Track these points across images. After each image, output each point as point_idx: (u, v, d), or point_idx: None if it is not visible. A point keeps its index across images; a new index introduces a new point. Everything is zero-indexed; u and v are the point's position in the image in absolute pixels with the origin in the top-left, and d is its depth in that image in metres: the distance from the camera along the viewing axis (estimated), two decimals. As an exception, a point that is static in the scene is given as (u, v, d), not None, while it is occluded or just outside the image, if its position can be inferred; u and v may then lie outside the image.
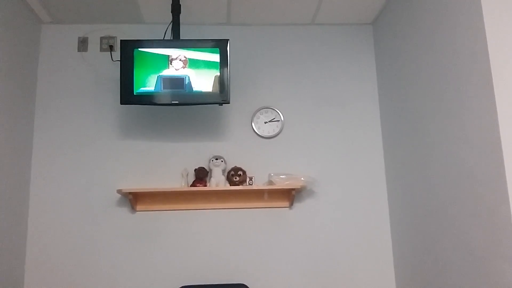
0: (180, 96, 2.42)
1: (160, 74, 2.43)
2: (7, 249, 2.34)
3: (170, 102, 2.42)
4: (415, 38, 2.32)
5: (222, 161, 2.63)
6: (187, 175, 2.65)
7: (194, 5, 2.65)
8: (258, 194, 2.69)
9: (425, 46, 2.21)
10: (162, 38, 2.68)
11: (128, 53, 2.44)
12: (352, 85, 2.87)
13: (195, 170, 2.64)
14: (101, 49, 2.81)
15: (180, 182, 2.66)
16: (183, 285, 2.58)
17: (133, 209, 2.63)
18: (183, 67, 2.44)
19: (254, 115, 2.79)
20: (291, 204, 2.69)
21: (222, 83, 2.44)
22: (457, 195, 1.93)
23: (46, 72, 2.76)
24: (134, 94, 2.42)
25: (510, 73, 1.66)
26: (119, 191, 2.50)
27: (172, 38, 2.58)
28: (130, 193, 2.51)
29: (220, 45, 2.46)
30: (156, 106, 2.69)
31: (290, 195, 2.64)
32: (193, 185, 2.60)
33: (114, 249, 2.59)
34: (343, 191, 2.74)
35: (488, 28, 1.70)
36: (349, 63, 2.90)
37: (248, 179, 2.67)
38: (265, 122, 2.79)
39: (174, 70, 2.43)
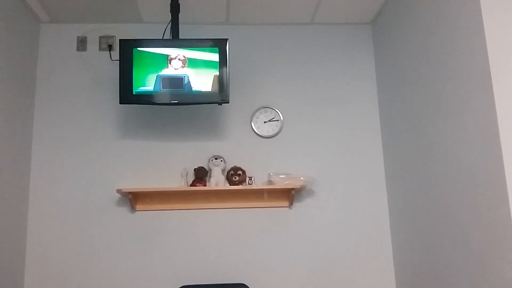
0: (179, 95, 2.42)
1: (159, 73, 2.42)
2: (7, 249, 2.34)
3: (169, 102, 2.41)
4: (414, 37, 2.32)
5: (221, 160, 2.63)
6: (187, 174, 2.65)
7: (193, 4, 2.64)
8: (257, 194, 2.68)
9: (424, 45, 2.21)
10: (161, 38, 2.67)
11: (127, 52, 2.43)
12: (352, 85, 2.87)
13: (195, 169, 2.64)
14: (100, 49, 2.80)
15: (179, 181, 2.66)
16: (182, 285, 2.58)
17: (132, 208, 2.63)
18: (182, 67, 2.43)
19: (253, 114, 2.78)
20: (291, 204, 2.69)
21: (221, 83, 2.44)
22: (456, 194, 1.93)
23: (45, 71, 2.75)
24: (133, 93, 2.41)
25: (510, 73, 1.66)
26: (118, 191, 2.50)
27: (171, 38, 2.57)
28: (129, 192, 2.51)
29: (219, 45, 2.46)
30: (155, 105, 2.68)
31: (289, 195, 2.64)
32: (192, 184, 2.60)
33: (114, 248, 2.59)
34: (342, 191, 2.74)
35: (487, 28, 1.70)
36: (348, 63, 2.89)
37: (247, 179, 2.67)
38: (265, 122, 2.78)
39: (173, 69, 2.43)
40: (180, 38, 2.65)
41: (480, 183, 1.75)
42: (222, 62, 2.45)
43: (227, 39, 2.46)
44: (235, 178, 2.60)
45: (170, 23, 2.59)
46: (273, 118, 2.79)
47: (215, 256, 2.62)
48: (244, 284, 2.56)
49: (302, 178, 2.59)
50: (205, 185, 2.61)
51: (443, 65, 2.02)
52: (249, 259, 2.63)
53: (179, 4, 2.59)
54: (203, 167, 2.64)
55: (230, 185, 2.60)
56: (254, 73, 2.85)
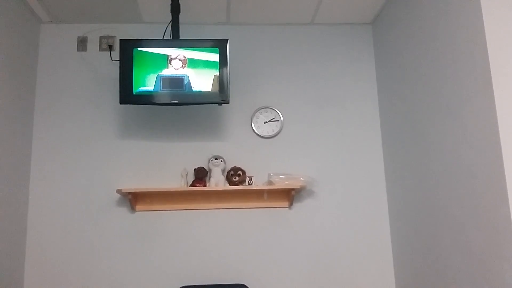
0: (179, 95, 2.42)
1: (160, 73, 2.42)
2: (7, 249, 2.34)
3: (169, 102, 2.41)
4: (415, 38, 2.32)
5: (221, 161, 2.63)
6: (187, 175, 2.65)
7: (194, 4, 2.65)
8: (257, 194, 2.68)
9: (425, 46, 2.21)
10: (162, 38, 2.67)
11: (127, 52, 2.43)
12: (352, 85, 2.87)
13: (195, 170, 2.64)
14: (101, 49, 2.80)
15: (179, 182, 2.66)
16: (182, 285, 2.58)
17: (132, 209, 2.63)
18: (183, 67, 2.43)
19: (253, 115, 2.78)
20: (291, 204, 2.69)
21: (221, 83, 2.44)
22: (456, 194, 1.93)
23: (46, 71, 2.76)
24: (134, 93, 2.41)
25: (510, 73, 1.66)
26: (118, 191, 2.50)
27: (171, 38, 2.57)
28: (129, 193, 2.51)
29: (219, 45, 2.46)
30: (155, 105, 2.68)
31: (289, 195, 2.63)
32: (192, 185, 2.60)
33: (114, 249, 2.59)
34: (342, 191, 2.74)
35: (487, 28, 1.70)
36: (349, 63, 2.90)
37: (247, 179, 2.67)
38: (265, 122, 2.78)
39: (173, 69, 2.43)
40: (180, 38, 2.65)
41: (480, 183, 1.74)
42: (222, 62, 2.45)
43: (227, 40, 2.46)
44: (235, 178, 2.60)
45: (171, 23, 2.59)
46: (273, 118, 2.79)
47: (215, 256, 2.62)
48: (244, 285, 2.56)
49: (302, 179, 2.59)
50: (205, 186, 2.60)
51: (443, 65, 2.02)
52: (249, 259, 2.63)
53: (179, 4, 2.59)
54: (203, 167, 2.64)
55: (230, 185, 2.60)
56: (254, 73, 2.85)
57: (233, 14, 2.77)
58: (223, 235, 2.65)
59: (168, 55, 2.43)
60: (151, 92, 2.41)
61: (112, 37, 2.81)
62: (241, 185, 2.61)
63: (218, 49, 2.45)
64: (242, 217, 2.67)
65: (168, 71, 2.43)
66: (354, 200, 2.73)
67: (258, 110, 2.79)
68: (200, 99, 2.43)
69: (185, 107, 2.76)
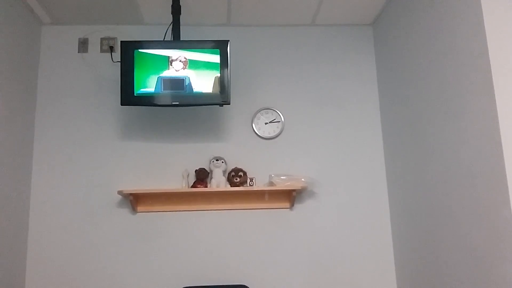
0: (180, 97, 2.42)
1: (160, 75, 2.43)
2: (8, 250, 2.34)
3: (170, 103, 2.42)
4: (415, 38, 2.32)
5: (222, 162, 2.63)
6: (188, 176, 2.65)
7: (195, 6, 2.65)
8: (258, 195, 2.68)
9: (425, 46, 2.21)
10: (163, 39, 2.68)
11: (128, 54, 2.44)
12: (353, 86, 2.87)
13: (196, 171, 2.64)
14: (102, 50, 2.81)
15: (180, 183, 2.66)
16: (184, 286, 2.58)
17: (133, 210, 2.63)
18: (183, 68, 2.44)
19: (254, 116, 2.79)
20: (292, 205, 2.69)
21: (222, 84, 2.44)
22: (457, 195, 1.93)
23: (47, 73, 2.76)
24: (135, 95, 2.41)
25: (510, 74, 1.66)
26: (119, 192, 2.50)
27: (172, 39, 2.57)
28: (130, 194, 2.51)
29: (220, 46, 2.46)
30: (156, 107, 2.68)
31: (290, 196, 2.63)
32: (193, 186, 2.60)
33: (115, 250, 2.59)
34: (344, 192, 2.74)
35: (488, 29, 1.70)
36: (350, 64, 2.90)
37: (248, 180, 2.67)
38: (266, 123, 2.79)
39: (174, 71, 2.43)
40: (181, 39, 2.65)
41: (481, 184, 1.74)
42: (223, 63, 2.45)
43: (228, 41, 2.46)
44: (236, 179, 2.60)
45: (171, 24, 2.59)
46: (274, 119, 2.79)
47: (216, 257, 2.62)
48: (245, 286, 2.56)
49: (303, 180, 2.59)
50: (206, 187, 2.61)
51: (444, 66, 2.02)
52: (250, 260, 2.63)
53: (180, 6, 2.59)
54: (204, 169, 2.64)
55: (231, 186, 2.60)
56: (255, 74, 2.85)
57: (233, 15, 2.77)
58: (224, 236, 2.65)
59: (169, 57, 2.44)
60: (152, 93, 2.42)
61: (113, 38, 2.82)
62: (242, 186, 2.61)
63: (219, 50, 2.45)
64: (243, 218, 2.67)
65: (169, 73, 2.43)
66: (355, 201, 2.73)
67: (259, 111, 2.79)
68: (201, 100, 2.43)
69: (186, 108, 2.76)
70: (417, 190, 2.34)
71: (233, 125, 2.78)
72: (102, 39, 2.82)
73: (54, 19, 2.75)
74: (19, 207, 2.49)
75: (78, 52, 2.80)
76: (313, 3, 2.65)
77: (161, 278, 2.58)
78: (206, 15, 2.75)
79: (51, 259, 2.56)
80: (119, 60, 2.46)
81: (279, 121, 2.79)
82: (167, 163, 2.70)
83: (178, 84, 2.42)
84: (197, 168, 2.65)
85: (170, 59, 2.43)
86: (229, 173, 2.63)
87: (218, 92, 2.44)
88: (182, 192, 2.58)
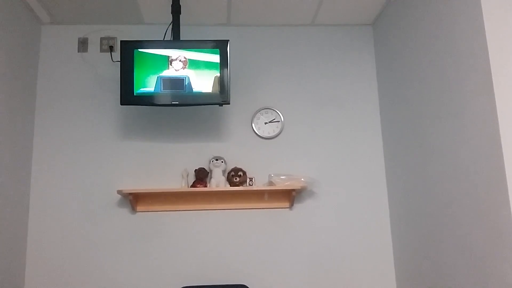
0: (180, 96, 2.42)
1: (160, 74, 2.43)
2: (7, 250, 2.34)
3: (170, 103, 2.42)
4: (415, 39, 2.32)
5: (222, 161, 2.63)
6: (187, 175, 2.65)
7: (194, 5, 2.65)
8: (258, 195, 2.68)
9: (425, 46, 2.21)
10: (162, 39, 2.68)
11: (128, 53, 2.44)
12: (352, 86, 2.87)
13: (195, 170, 2.64)
14: (101, 50, 2.81)
15: (180, 182, 2.66)
16: (183, 286, 2.58)
17: (133, 209, 2.63)
18: (183, 68, 2.44)
19: (254, 115, 2.79)
20: (292, 205, 2.69)
21: (222, 84, 2.44)
22: (457, 195, 1.93)
23: (46, 73, 2.76)
24: (134, 94, 2.42)
25: (510, 74, 1.66)
26: (119, 192, 2.50)
27: (172, 39, 2.57)
28: (130, 193, 2.51)
29: (220, 46, 2.46)
30: (156, 106, 2.69)
31: (290, 196, 2.63)
32: (193, 185, 2.60)
33: (114, 250, 2.59)
34: (343, 192, 2.74)
35: (488, 29, 1.70)
36: (349, 64, 2.90)
37: (248, 180, 2.67)
38: (265, 123, 2.79)
39: (174, 70, 2.43)
40: (181, 39, 2.65)
41: (481, 184, 1.74)
42: (223, 63, 2.45)
43: (228, 40, 2.47)
44: (236, 179, 2.60)
45: (171, 24, 2.59)
46: (274, 119, 2.80)
47: (215, 257, 2.62)
48: (245, 285, 2.56)
49: (302, 179, 2.59)
50: (205, 186, 2.61)
51: (444, 66, 2.02)
52: (250, 260, 2.63)
53: (180, 6, 2.59)
54: (203, 168, 2.64)
55: (230, 186, 2.60)
56: (255, 74, 2.85)
57: (233, 15, 2.77)
58: (224, 236, 2.65)
59: (168, 56, 2.44)
60: (151, 93, 2.42)
61: (113, 38, 2.82)
62: (242, 185, 2.61)
63: (218, 50, 2.46)
64: (242, 218, 2.67)
65: (168, 72, 2.43)
66: (355, 200, 2.73)
67: (258, 111, 2.79)
68: (201, 100, 2.43)
69: (186, 108, 2.76)
70: (416, 190, 2.34)
71: (233, 124, 2.78)
72: (102, 38, 2.82)
73: (54, 18, 2.75)
74: (19, 207, 2.49)
75: (78, 52, 2.80)
76: (313, 3, 2.65)
77: (161, 277, 2.58)
78: (206, 15, 2.75)
79: (51, 259, 2.56)
80: (119, 60, 2.46)
81: (279, 121, 2.79)
82: (167, 163, 2.70)
83: (177, 83, 2.42)
84: (197, 168, 2.65)
85: (170, 59, 2.44)
86: (229, 173, 2.63)
87: (218, 92, 2.44)
88: (182, 192, 2.58)
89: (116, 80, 2.75)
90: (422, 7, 2.23)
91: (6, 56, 2.36)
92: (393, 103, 2.64)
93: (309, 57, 2.89)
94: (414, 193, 2.37)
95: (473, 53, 1.78)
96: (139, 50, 2.44)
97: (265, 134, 2.77)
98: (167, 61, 2.43)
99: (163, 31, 2.72)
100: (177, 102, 2.42)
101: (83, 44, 2.81)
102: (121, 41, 2.46)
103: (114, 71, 2.77)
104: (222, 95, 2.44)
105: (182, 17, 2.67)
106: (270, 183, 2.62)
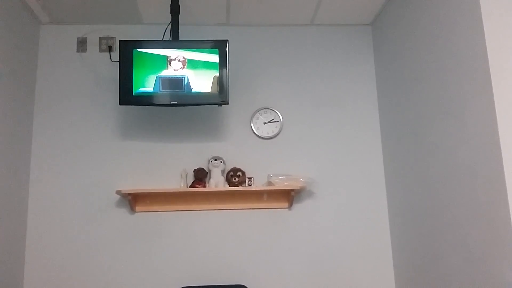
0: (179, 96, 2.42)
1: (159, 74, 2.42)
2: (6, 250, 2.34)
3: (169, 103, 2.41)
4: (414, 39, 2.32)
5: (221, 161, 2.63)
6: (186, 175, 2.65)
7: (193, 5, 2.65)
8: (257, 195, 2.68)
9: (424, 46, 2.21)
10: (161, 39, 2.67)
11: (127, 53, 2.43)
12: (351, 86, 2.87)
13: (194, 171, 2.64)
14: (100, 50, 2.80)
15: (179, 183, 2.66)
16: (182, 286, 2.57)
17: (132, 210, 2.63)
18: (182, 68, 2.43)
19: (253, 115, 2.78)
20: (290, 205, 2.69)
21: (221, 84, 2.44)
22: (456, 195, 1.93)
23: (45, 72, 2.76)
24: (133, 94, 2.41)
25: (509, 74, 1.66)
26: (118, 192, 2.50)
27: (171, 39, 2.57)
28: (129, 194, 2.51)
29: (219, 46, 2.46)
30: (155, 106, 2.68)
31: (289, 196, 2.63)
32: (192, 186, 2.60)
33: (113, 250, 2.59)
34: (342, 192, 2.74)
35: (486, 29, 1.70)
36: (348, 64, 2.90)
37: (247, 180, 2.67)
38: (264, 123, 2.78)
39: (173, 70, 2.43)
40: (180, 39, 2.65)
41: (479, 184, 1.74)
42: (222, 63, 2.45)
43: (227, 40, 2.46)
44: (235, 179, 2.60)
45: (170, 24, 2.59)
46: (273, 119, 2.79)
47: (214, 257, 2.62)
48: (244, 285, 2.56)
49: (301, 179, 2.59)
50: (204, 186, 2.60)
51: (443, 66, 2.02)
52: (249, 260, 2.62)
53: (179, 5, 2.59)
54: (202, 168, 2.64)
55: (229, 186, 2.60)
56: (254, 74, 2.85)
57: (232, 15, 2.77)
58: (223, 236, 2.64)
59: (167, 56, 2.43)
60: (150, 93, 2.41)
61: (112, 38, 2.82)
62: (241, 186, 2.61)
63: (217, 50, 2.45)
64: (241, 218, 2.67)
65: (167, 72, 2.43)
66: (354, 200, 2.73)
67: (257, 111, 2.79)
68: (200, 100, 2.43)
69: (185, 108, 2.76)
70: (415, 190, 2.34)
71: (232, 125, 2.78)
72: (100, 38, 2.81)
73: (53, 18, 2.74)
74: (17, 207, 2.48)
75: (77, 52, 2.80)
76: (312, 3, 2.65)
77: (160, 277, 2.58)
78: (205, 14, 2.75)
79: (49, 259, 2.56)
80: (118, 60, 2.46)
81: (278, 121, 2.79)
82: (166, 163, 2.70)
83: (176, 83, 2.42)
84: (196, 168, 2.65)
85: (168, 59, 2.43)
86: (228, 173, 2.63)
87: (217, 92, 2.43)
88: (181, 192, 2.58)
89: (115, 80, 2.75)
90: (421, 7, 2.23)
91: (5, 56, 2.36)
92: (392, 103, 2.64)
93: (308, 57, 2.89)
94: (413, 193, 2.37)
95: (472, 53, 1.78)
96: (138, 50, 2.44)
97: (264, 134, 2.77)
98: (166, 61, 2.43)
99: (162, 31, 2.72)
100: (176, 102, 2.42)
101: (82, 44, 2.80)
102: (120, 41, 2.45)
103: (113, 71, 2.77)
104: (221, 95, 2.43)
105: (181, 17, 2.67)
106: (269, 183, 2.62)
